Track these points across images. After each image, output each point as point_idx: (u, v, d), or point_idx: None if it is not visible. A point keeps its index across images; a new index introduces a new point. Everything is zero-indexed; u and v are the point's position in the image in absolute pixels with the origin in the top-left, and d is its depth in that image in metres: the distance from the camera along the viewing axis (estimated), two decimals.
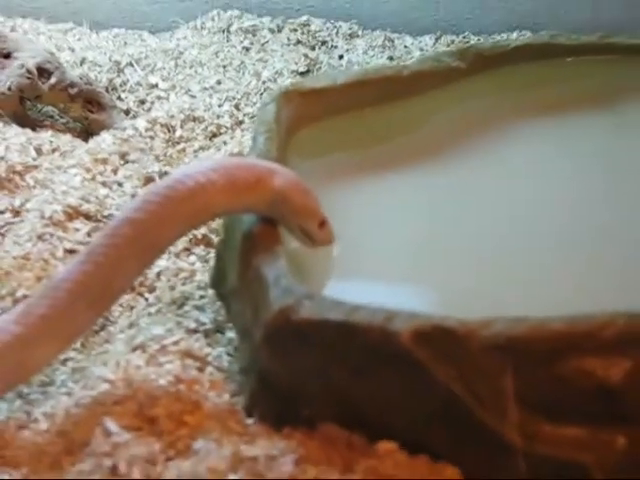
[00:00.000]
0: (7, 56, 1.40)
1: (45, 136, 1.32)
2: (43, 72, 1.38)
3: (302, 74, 1.54)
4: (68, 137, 1.34)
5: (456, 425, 0.74)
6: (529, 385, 0.72)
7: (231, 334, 0.93)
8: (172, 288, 1.02)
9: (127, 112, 1.45)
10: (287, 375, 0.80)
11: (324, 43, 1.67)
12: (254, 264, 0.84)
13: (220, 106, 1.44)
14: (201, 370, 0.88)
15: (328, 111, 1.14)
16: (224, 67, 1.57)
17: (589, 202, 1.05)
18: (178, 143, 1.34)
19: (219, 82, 1.51)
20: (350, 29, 1.71)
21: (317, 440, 0.78)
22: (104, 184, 1.19)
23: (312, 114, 1.13)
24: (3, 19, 1.77)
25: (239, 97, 1.46)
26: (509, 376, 0.72)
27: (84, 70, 1.52)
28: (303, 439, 0.78)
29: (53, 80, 1.38)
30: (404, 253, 0.97)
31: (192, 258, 1.08)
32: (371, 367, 0.76)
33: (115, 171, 1.23)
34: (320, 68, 1.58)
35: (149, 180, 1.21)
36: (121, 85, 1.52)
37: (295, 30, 1.70)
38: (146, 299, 1.02)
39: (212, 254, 1.04)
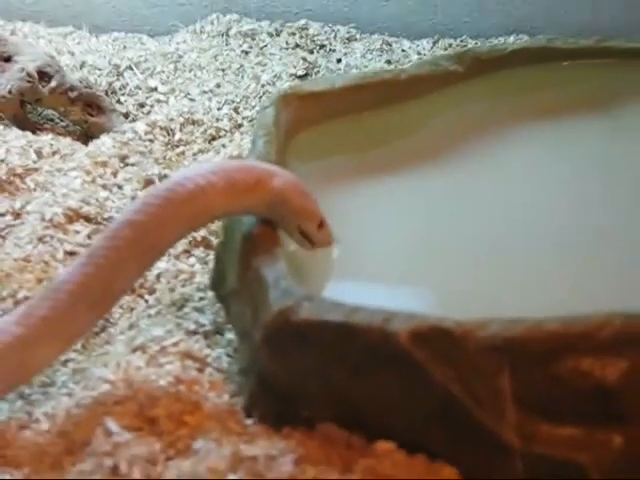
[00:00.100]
0: (7, 59, 1.40)
1: (45, 139, 1.32)
2: (43, 75, 1.38)
3: (301, 77, 1.54)
4: (68, 140, 1.34)
5: (454, 425, 0.75)
6: (526, 385, 0.73)
7: (230, 335, 0.94)
8: (172, 290, 1.03)
9: (126, 115, 1.46)
10: (286, 376, 0.80)
11: (322, 47, 1.68)
12: (254, 266, 0.85)
13: (219, 109, 1.44)
14: (201, 371, 0.89)
15: (327, 114, 1.15)
16: (223, 70, 1.58)
17: (586, 205, 1.05)
18: (177, 146, 1.35)
19: (218, 85, 1.52)
20: (348, 33, 1.72)
21: (316, 440, 0.79)
22: (104, 187, 1.20)
23: (311, 117, 1.13)
24: (3, 23, 1.77)
25: (238, 100, 1.47)
26: (506, 376, 0.73)
27: (84, 74, 1.53)
28: (302, 439, 0.79)
29: (53, 83, 1.38)
30: (402, 255, 0.98)
31: (192, 260, 1.08)
32: (370, 368, 0.76)
33: (115, 174, 1.23)
34: (318, 72, 1.58)
35: (149, 183, 1.21)
36: (121, 88, 1.53)
37: (294, 34, 1.71)
38: (146, 301, 1.03)
39: (211, 256, 1.04)
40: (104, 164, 1.24)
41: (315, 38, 1.70)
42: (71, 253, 1.08)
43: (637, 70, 1.31)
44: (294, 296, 0.79)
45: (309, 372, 0.79)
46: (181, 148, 1.35)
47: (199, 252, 1.10)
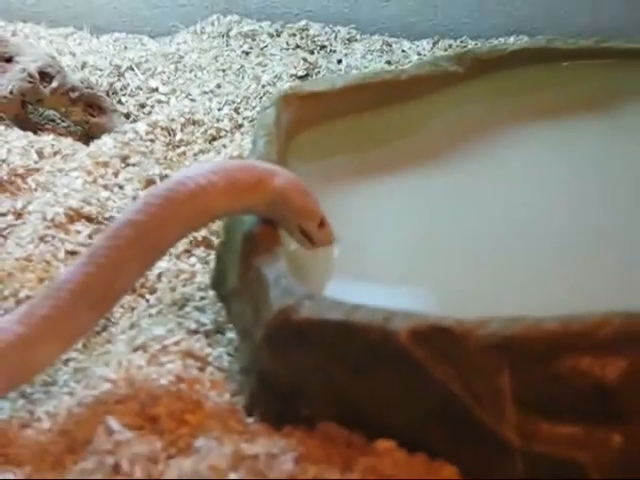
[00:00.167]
0: (9, 60, 1.40)
1: (47, 139, 1.33)
2: (45, 76, 1.39)
3: (301, 78, 1.55)
4: (69, 140, 1.35)
5: (454, 424, 0.75)
6: (526, 384, 0.73)
7: (231, 335, 0.94)
8: (173, 289, 1.03)
9: (127, 116, 1.46)
10: (287, 374, 0.81)
11: (323, 47, 1.68)
12: (254, 265, 0.85)
13: (220, 110, 1.45)
14: (202, 370, 0.89)
15: (327, 115, 1.15)
16: (224, 71, 1.58)
17: (585, 205, 1.05)
18: (178, 146, 1.35)
19: (219, 86, 1.52)
20: (349, 34, 1.72)
21: (317, 439, 0.79)
22: (105, 187, 1.20)
23: (311, 118, 1.13)
24: (4, 24, 1.77)
25: (239, 101, 1.47)
26: (506, 375, 0.73)
27: (85, 74, 1.53)
28: (303, 438, 0.79)
29: (54, 84, 1.39)
30: (402, 255, 0.98)
31: (193, 260, 1.08)
32: (370, 366, 0.77)
33: (116, 174, 1.24)
34: (319, 72, 1.59)
35: (150, 183, 1.21)
36: (121, 89, 1.53)
37: (294, 35, 1.71)
38: (147, 300, 1.03)
39: (212, 256, 1.04)
40: (105, 164, 1.25)
41: (315, 39, 1.70)
42: (72, 253, 1.08)
43: (637, 70, 1.31)
44: (295, 295, 0.79)
45: (310, 371, 0.79)
46: (182, 148, 1.35)
47: (200, 252, 1.10)
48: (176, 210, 0.86)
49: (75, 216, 1.13)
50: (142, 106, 1.49)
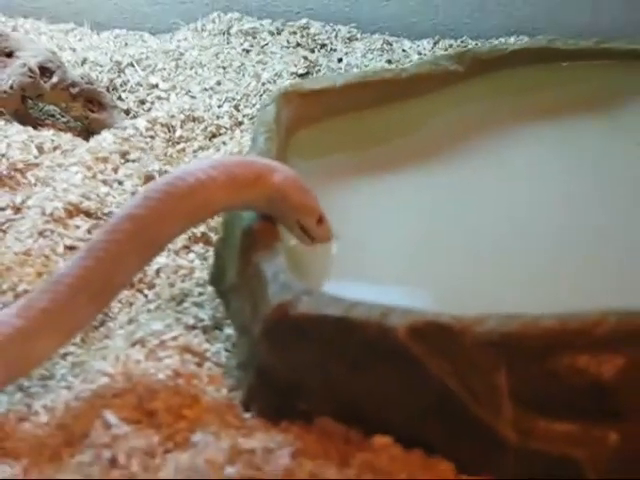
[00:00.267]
0: (9, 55, 1.40)
1: (46, 134, 1.33)
2: (45, 71, 1.39)
3: (301, 76, 1.54)
4: (69, 136, 1.35)
5: (451, 420, 0.76)
6: (523, 381, 0.73)
7: (229, 330, 0.94)
8: (171, 285, 1.03)
9: (127, 112, 1.46)
10: (285, 370, 0.81)
11: (323, 46, 1.68)
12: (253, 261, 0.85)
13: (220, 107, 1.45)
14: (200, 365, 0.89)
15: (327, 112, 1.15)
16: (224, 68, 1.58)
17: (585, 204, 1.05)
18: (178, 143, 1.35)
19: (219, 83, 1.52)
20: (349, 32, 1.72)
21: (314, 434, 0.79)
22: (104, 182, 1.20)
23: (311, 115, 1.14)
24: (5, 19, 1.77)
25: (239, 98, 1.47)
26: (503, 372, 0.73)
27: (85, 70, 1.53)
28: (300, 433, 0.79)
29: (55, 79, 1.38)
30: (401, 253, 0.98)
31: (191, 256, 1.08)
32: (368, 362, 0.77)
33: (116, 170, 1.24)
34: (319, 71, 1.59)
35: (149, 179, 1.21)
36: (122, 85, 1.53)
37: (295, 33, 1.71)
38: (145, 296, 1.03)
39: (211, 252, 1.04)
40: (105, 160, 1.25)
41: (316, 37, 1.70)
42: (71, 247, 1.08)
43: (636, 71, 1.31)
44: (293, 290, 0.80)
45: (307, 366, 0.79)
46: (182, 145, 1.35)
47: (199, 248, 1.10)
48: (175, 205, 0.87)
49: (74, 211, 1.13)
50: (142, 102, 1.48)
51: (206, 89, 1.51)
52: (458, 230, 1.00)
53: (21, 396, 0.87)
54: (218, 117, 1.42)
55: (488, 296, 0.89)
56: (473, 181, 1.09)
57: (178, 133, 1.37)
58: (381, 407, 0.78)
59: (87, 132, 1.38)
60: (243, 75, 1.56)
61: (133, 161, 1.26)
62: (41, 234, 1.09)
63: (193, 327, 0.95)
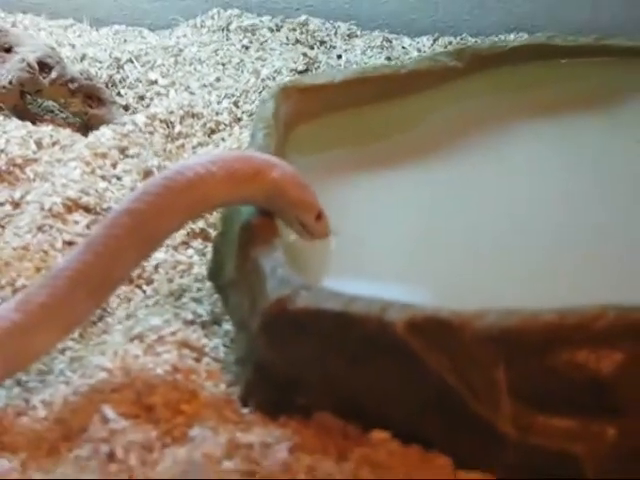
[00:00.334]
0: (8, 50, 1.40)
1: (45, 130, 1.32)
2: (44, 67, 1.38)
3: (301, 73, 1.54)
4: (68, 131, 1.34)
5: (449, 415, 0.75)
6: (522, 376, 0.73)
7: (228, 326, 0.94)
8: (170, 280, 1.03)
9: (126, 108, 1.45)
10: (283, 365, 0.81)
11: (323, 43, 1.68)
12: (252, 255, 0.85)
13: (219, 103, 1.44)
14: (198, 360, 0.89)
15: (326, 108, 1.15)
16: (223, 65, 1.58)
17: (584, 201, 1.05)
18: (177, 139, 1.35)
19: (218, 79, 1.52)
20: (349, 29, 1.72)
21: (312, 429, 0.79)
22: (103, 178, 1.20)
23: (311, 111, 1.13)
24: (4, 15, 1.77)
25: (238, 94, 1.47)
26: (502, 367, 0.73)
27: (84, 66, 1.53)
28: (298, 427, 0.79)
29: (54, 75, 1.38)
30: (401, 248, 0.98)
31: (190, 251, 1.08)
32: (367, 357, 0.77)
33: (114, 165, 1.23)
34: (319, 67, 1.58)
35: (148, 174, 1.21)
36: (121, 81, 1.53)
37: (294, 29, 1.71)
38: (144, 291, 1.03)
39: (210, 248, 1.04)
40: (104, 155, 1.24)
41: (315, 34, 1.70)
42: (70, 243, 1.08)
43: (636, 68, 1.31)
44: (292, 285, 0.79)
45: (306, 361, 0.79)
46: (181, 141, 1.35)
47: (197, 244, 1.10)
48: (174, 199, 0.86)
49: (73, 206, 1.13)
50: (141, 98, 1.48)
51: (205, 85, 1.50)
52: (457, 226, 1.00)
53: (19, 390, 0.87)
54: (217, 113, 1.41)
55: (487, 292, 0.88)
56: (472, 177, 1.09)
57: (177, 129, 1.36)
58: (380, 402, 0.78)
59: (86, 128, 1.38)
60: (242, 71, 1.55)
61: (132, 157, 1.26)
62: (40, 229, 1.09)
63: (191, 322, 0.94)
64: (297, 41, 1.68)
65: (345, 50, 1.65)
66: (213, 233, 1.09)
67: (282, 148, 1.03)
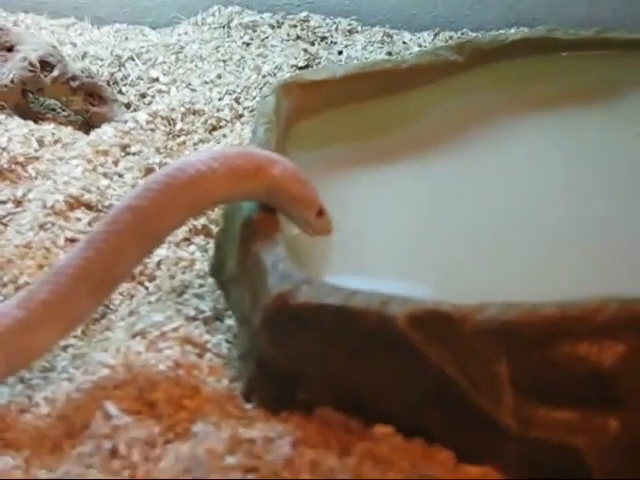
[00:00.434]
0: (10, 49, 1.40)
1: (47, 128, 1.33)
2: (45, 65, 1.38)
3: (301, 69, 1.54)
4: (70, 129, 1.35)
5: (451, 409, 0.75)
6: (523, 369, 0.73)
7: (230, 322, 0.94)
8: (172, 277, 1.03)
9: (128, 105, 1.46)
10: (285, 359, 0.81)
11: (323, 39, 1.68)
12: (253, 251, 0.85)
13: (220, 100, 1.45)
14: (200, 356, 0.89)
15: (327, 103, 1.15)
16: (224, 62, 1.58)
17: (585, 195, 1.05)
18: (178, 136, 1.35)
19: (219, 76, 1.52)
20: (349, 25, 1.72)
21: (315, 424, 0.79)
22: (105, 175, 1.20)
23: (311, 106, 1.13)
24: (5, 14, 1.77)
25: (239, 91, 1.47)
26: (503, 360, 0.73)
27: (86, 64, 1.53)
28: (301, 422, 0.79)
29: (55, 73, 1.38)
30: (401, 243, 0.98)
31: (192, 248, 1.08)
32: (368, 351, 0.77)
33: (116, 162, 1.24)
34: (319, 63, 1.58)
35: (150, 171, 1.21)
36: (122, 79, 1.53)
37: (295, 26, 1.71)
38: (146, 288, 1.03)
39: (211, 244, 1.04)
40: (105, 153, 1.25)
41: (316, 30, 1.70)
42: (72, 240, 1.08)
43: (636, 62, 1.31)
44: (293, 280, 0.80)
45: (308, 356, 0.79)
46: (182, 138, 1.35)
47: (199, 240, 1.10)
48: (176, 196, 0.87)
49: (75, 204, 1.13)
50: (143, 96, 1.48)
51: (206, 82, 1.51)
52: (458, 221, 1.00)
53: (22, 388, 0.87)
54: (218, 110, 1.42)
55: (488, 287, 0.88)
56: (473, 172, 1.09)
57: (178, 126, 1.37)
58: (381, 396, 0.78)
59: (88, 126, 1.38)
60: (243, 68, 1.56)
61: (133, 154, 1.26)
62: (42, 227, 1.09)
63: (194, 318, 0.95)
64: (298, 37, 1.68)
65: (346, 46, 1.65)
66: (215, 229, 1.09)
67: (283, 144, 1.03)
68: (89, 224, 1.10)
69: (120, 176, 1.21)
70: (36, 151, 1.26)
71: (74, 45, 1.65)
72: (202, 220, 1.11)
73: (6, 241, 1.07)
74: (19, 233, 1.08)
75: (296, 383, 0.81)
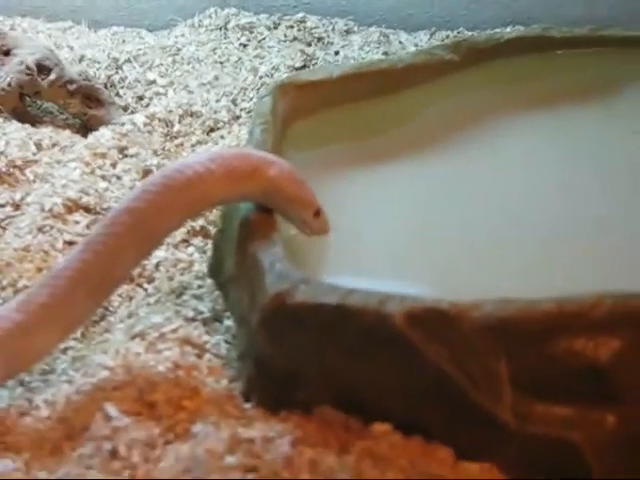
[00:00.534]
0: (7, 53, 1.41)
1: (45, 131, 1.33)
2: (42, 68, 1.39)
3: (298, 70, 1.55)
4: (67, 133, 1.35)
5: (449, 406, 0.76)
6: (520, 365, 0.74)
7: (229, 322, 0.95)
8: (171, 278, 1.03)
9: (125, 108, 1.46)
10: (283, 359, 0.81)
11: (320, 39, 1.68)
12: (251, 251, 0.85)
13: (217, 101, 1.45)
14: (199, 357, 0.89)
15: (323, 103, 1.15)
16: (221, 63, 1.59)
17: (581, 193, 1.05)
18: (176, 137, 1.36)
19: (216, 78, 1.53)
20: (346, 25, 1.72)
21: (314, 423, 0.80)
22: (103, 177, 1.20)
23: (308, 106, 1.14)
24: (2, 18, 1.77)
25: (236, 92, 1.47)
26: (501, 356, 0.74)
27: (83, 67, 1.53)
28: (300, 422, 0.79)
29: (52, 76, 1.39)
30: (397, 242, 0.98)
31: (190, 249, 1.09)
32: (366, 349, 0.77)
33: (114, 165, 1.24)
34: (316, 64, 1.59)
35: (147, 173, 1.22)
36: (120, 82, 1.53)
37: (291, 27, 1.72)
38: (145, 289, 1.03)
39: (210, 245, 1.05)
40: (103, 155, 1.25)
41: (313, 31, 1.71)
42: (70, 243, 1.08)
43: (632, 59, 1.31)
44: (290, 279, 0.80)
45: (306, 355, 0.80)
46: (180, 139, 1.35)
47: (198, 241, 1.10)
48: (173, 197, 0.87)
49: (73, 207, 1.14)
50: (140, 98, 1.49)
51: (204, 84, 1.51)
52: (454, 220, 1.00)
53: (22, 391, 0.88)
54: (216, 111, 1.42)
55: (484, 286, 0.88)
56: (468, 171, 1.09)
57: (176, 128, 1.37)
58: (380, 395, 0.78)
59: (85, 128, 1.39)
60: (240, 69, 1.56)
61: (131, 156, 1.27)
62: (40, 230, 1.09)
63: (193, 319, 0.95)
64: (295, 38, 1.68)
65: (342, 46, 1.66)
66: (213, 230, 1.09)
67: (279, 144, 1.04)
68: (87, 227, 1.11)
69: (118, 178, 1.21)
70: (34, 154, 1.27)
71: (71, 48, 1.65)
72: (200, 221, 1.12)
73: (5, 244, 1.08)
74: (18, 236, 1.09)
75: (295, 382, 0.81)
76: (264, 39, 1.69)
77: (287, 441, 0.76)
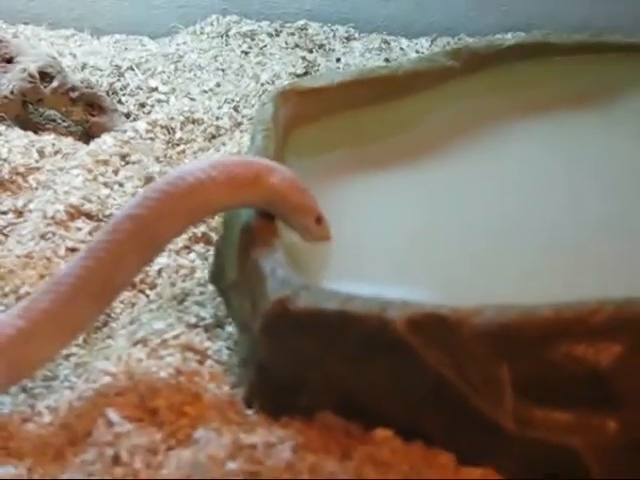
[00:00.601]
0: (9, 60, 1.41)
1: (47, 139, 1.33)
2: (45, 76, 1.39)
3: (300, 77, 1.55)
4: (70, 140, 1.35)
5: (450, 412, 0.76)
6: (521, 371, 0.74)
7: (230, 329, 0.95)
8: (173, 284, 1.04)
9: (128, 115, 1.46)
10: (285, 365, 0.81)
11: (321, 46, 1.69)
12: (252, 257, 0.86)
13: (219, 108, 1.45)
14: (201, 363, 0.89)
15: (325, 110, 1.15)
16: (223, 70, 1.59)
17: (581, 199, 1.06)
18: (178, 144, 1.36)
19: (218, 85, 1.53)
20: (347, 32, 1.73)
21: (315, 429, 0.80)
22: (105, 184, 1.21)
23: (309, 113, 1.14)
24: (5, 26, 1.78)
25: (238, 99, 1.48)
26: (501, 362, 0.74)
27: (85, 75, 1.53)
28: (301, 428, 0.80)
29: (55, 84, 1.39)
30: (398, 248, 0.98)
31: (192, 255, 1.09)
32: (367, 355, 0.77)
33: (116, 172, 1.24)
34: (318, 71, 1.59)
35: (149, 180, 1.22)
36: (122, 89, 1.53)
37: (293, 34, 1.72)
38: (147, 296, 1.03)
39: (212, 252, 1.05)
40: (105, 162, 1.25)
41: (314, 38, 1.71)
42: (73, 249, 1.08)
43: (632, 65, 1.31)
44: (292, 285, 0.80)
45: (307, 361, 0.80)
46: (181, 146, 1.36)
47: (199, 248, 1.10)
48: (175, 204, 0.87)
49: (75, 213, 1.14)
50: (142, 105, 1.49)
51: (205, 91, 1.51)
52: (455, 226, 1.00)
53: (24, 397, 0.88)
54: (217, 118, 1.42)
55: (485, 292, 0.88)
56: (469, 177, 1.09)
57: (178, 135, 1.37)
58: (381, 400, 0.78)
59: (88, 136, 1.39)
60: (242, 77, 1.56)
61: (133, 163, 1.27)
62: (43, 237, 1.10)
63: (195, 326, 0.95)
64: (296, 45, 1.69)
65: (344, 53, 1.66)
66: (215, 237, 1.09)
67: (281, 151, 1.04)
68: (90, 233, 1.11)
69: (120, 185, 1.22)
70: (37, 162, 1.27)
71: (74, 56, 1.65)
72: (202, 228, 1.12)
73: (7, 251, 1.08)
74: (20, 243, 1.09)
75: (296, 388, 0.81)
76: (265, 46, 1.69)
77: (289, 447, 0.76)
